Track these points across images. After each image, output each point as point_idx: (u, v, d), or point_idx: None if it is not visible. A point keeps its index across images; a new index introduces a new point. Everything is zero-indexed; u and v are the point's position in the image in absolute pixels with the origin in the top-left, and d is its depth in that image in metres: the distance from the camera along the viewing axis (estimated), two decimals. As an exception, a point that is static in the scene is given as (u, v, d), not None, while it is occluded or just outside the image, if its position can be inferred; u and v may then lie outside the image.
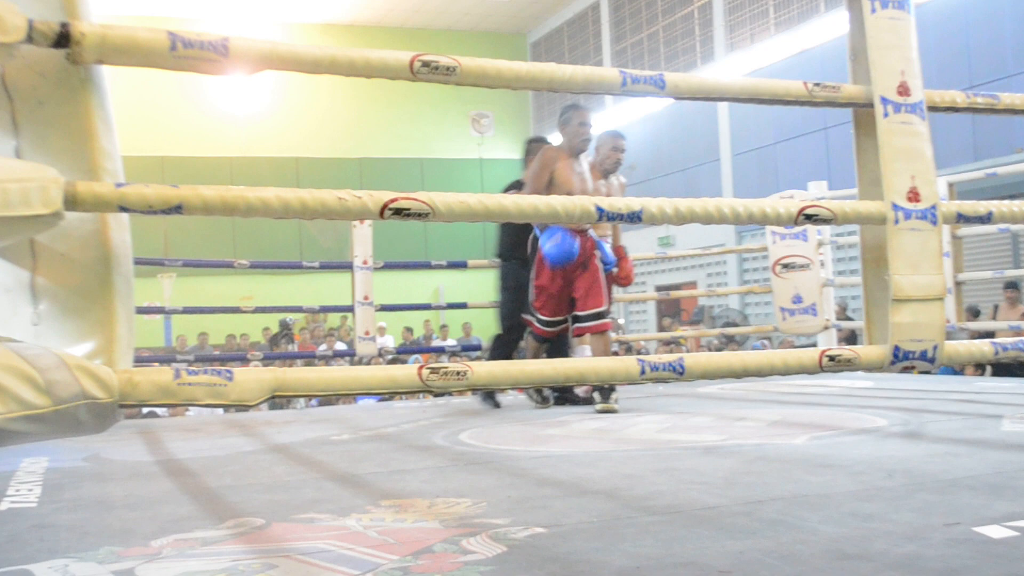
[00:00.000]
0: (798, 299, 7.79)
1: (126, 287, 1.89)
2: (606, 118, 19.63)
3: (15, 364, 1.70)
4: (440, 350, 12.71)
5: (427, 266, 13.05)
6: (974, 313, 9.65)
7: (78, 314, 1.90)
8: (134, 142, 19.01)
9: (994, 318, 9.83)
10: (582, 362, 2.32)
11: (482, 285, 20.44)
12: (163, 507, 3.07)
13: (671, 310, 18.98)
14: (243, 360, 9.32)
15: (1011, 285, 9.91)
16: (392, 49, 2.11)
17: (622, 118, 19.88)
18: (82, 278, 1.89)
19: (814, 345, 8.69)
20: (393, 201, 1.96)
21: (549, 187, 5.48)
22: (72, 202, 1.77)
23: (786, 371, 2.52)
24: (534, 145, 6.33)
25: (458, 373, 2.00)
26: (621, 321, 13.45)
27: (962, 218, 2.69)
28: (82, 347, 1.85)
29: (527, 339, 6.17)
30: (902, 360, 2.48)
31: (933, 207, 2.52)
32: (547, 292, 5.83)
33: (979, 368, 8.45)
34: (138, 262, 2.09)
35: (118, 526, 2.77)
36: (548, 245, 5.46)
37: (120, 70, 1.96)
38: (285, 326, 17.75)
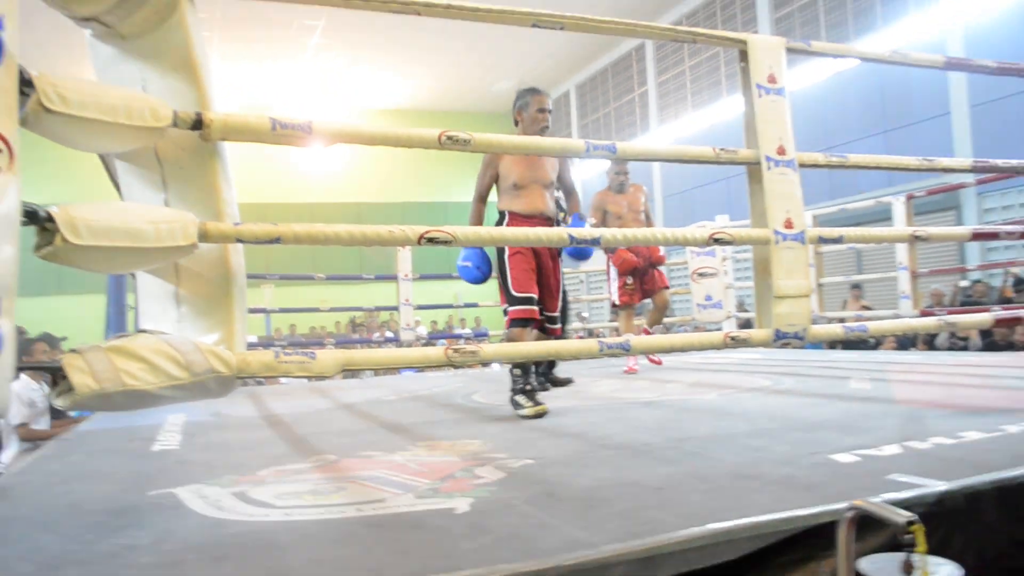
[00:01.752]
0: (709, 298, 7.82)
1: (241, 295, 1.90)
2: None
3: (165, 349, 1.72)
4: (459, 336, 12.71)
5: (449, 277, 13.20)
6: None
7: (208, 314, 1.91)
8: (245, 194, 18.97)
9: (843, 309, 9.85)
10: (557, 343, 2.33)
11: (487, 290, 20.55)
12: (266, 448, 3.09)
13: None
14: (321, 345, 9.31)
15: (855, 286, 9.94)
16: (422, 126, 2.12)
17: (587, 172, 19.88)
18: (210, 289, 1.91)
19: (720, 330, 8.70)
20: (427, 232, 1.98)
21: (500, 180, 4.05)
22: (204, 236, 1.79)
23: (701, 347, 2.53)
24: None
25: (472, 352, 2.02)
26: (585, 314, 13.38)
27: (822, 240, 2.70)
28: (211, 337, 1.86)
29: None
30: (781, 339, 2.49)
31: (802, 232, 2.54)
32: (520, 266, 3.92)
33: (833, 344, 8.45)
34: (249, 277, 2.10)
35: (235, 461, 2.79)
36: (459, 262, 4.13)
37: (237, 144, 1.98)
38: (354, 321, 17.80)
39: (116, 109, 1.69)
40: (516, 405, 3.70)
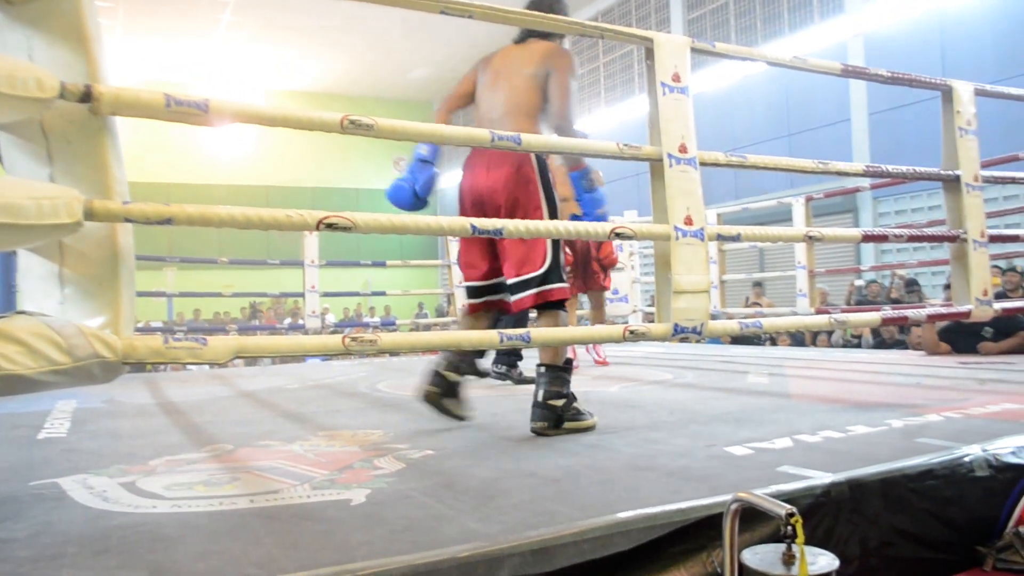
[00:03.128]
0: (616, 291, 7.93)
1: (129, 276, 1.82)
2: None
3: (45, 332, 1.64)
4: (366, 325, 12.58)
5: (357, 265, 13.04)
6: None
7: (93, 296, 1.83)
8: (147, 173, 18.38)
9: (746, 305, 10.14)
10: (460, 333, 2.32)
11: (398, 278, 20.43)
12: (159, 437, 2.99)
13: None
14: (224, 331, 9.07)
15: (757, 284, 10.24)
16: (333, 110, 2.08)
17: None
18: (96, 270, 1.82)
19: (626, 323, 8.84)
20: (326, 218, 1.94)
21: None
22: (90, 214, 1.71)
23: (601, 340, 2.56)
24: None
25: (371, 341, 1.99)
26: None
27: (721, 237, 2.76)
28: (96, 320, 1.78)
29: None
30: (680, 333, 2.54)
31: (701, 229, 2.59)
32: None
33: (733, 340, 8.70)
34: (147, 259, 2.03)
35: (125, 450, 2.70)
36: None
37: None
38: (254, 307, 17.36)
39: (-3, 77, 1.59)
40: (579, 416, 2.87)
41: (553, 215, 2.85)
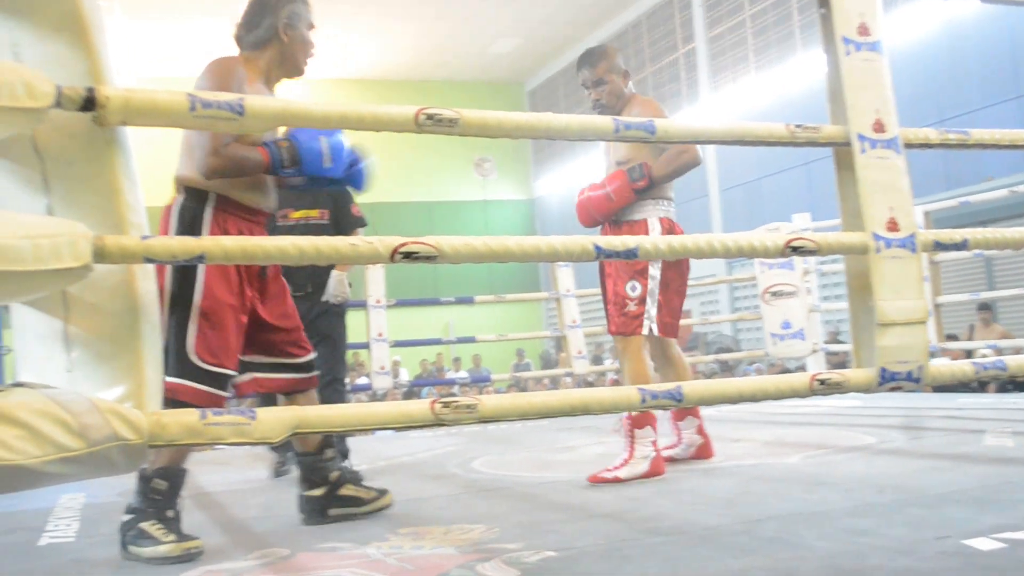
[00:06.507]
0: (787, 325, 7.77)
1: (153, 334, 1.87)
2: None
3: (50, 409, 1.69)
4: (451, 382, 12.67)
5: (436, 303, 13.04)
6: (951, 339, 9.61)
7: (109, 360, 1.88)
8: (159, 194, 19.04)
9: (970, 338, 9.79)
10: (586, 392, 2.30)
11: (488, 319, 20.52)
12: (193, 539, 3.04)
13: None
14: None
15: (984, 307, 9.89)
16: (397, 101, 2.11)
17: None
18: (112, 326, 1.88)
19: (804, 369, 8.65)
20: (403, 246, 1.95)
21: None
22: (101, 255, 1.76)
23: (779, 396, 2.49)
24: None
25: (468, 407, 1.98)
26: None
27: (939, 246, 2.67)
28: (113, 391, 1.83)
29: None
30: (889, 381, 2.45)
31: (912, 236, 2.51)
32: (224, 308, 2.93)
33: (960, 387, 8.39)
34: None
35: (152, 560, 2.75)
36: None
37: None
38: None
39: (-24, 85, 1.67)
40: (137, 539, 2.84)
41: None
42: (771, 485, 3.40)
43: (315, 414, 1.94)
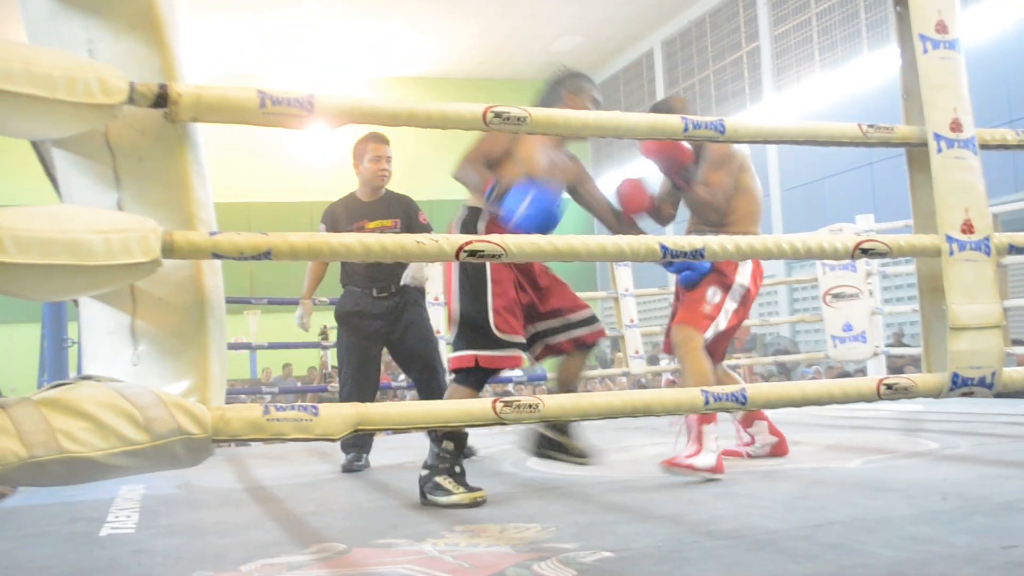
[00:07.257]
0: (848, 327, 7.68)
1: (218, 329, 1.89)
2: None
3: (117, 403, 1.71)
4: (508, 380, 12.67)
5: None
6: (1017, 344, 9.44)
7: (174, 355, 1.90)
8: (223, 190, 19.23)
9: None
10: (648, 393, 2.29)
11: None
12: (251, 533, 3.08)
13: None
14: (324, 391, 9.34)
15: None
16: (458, 98, 2.11)
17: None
18: (178, 321, 1.90)
19: (864, 371, 8.56)
20: (468, 244, 1.95)
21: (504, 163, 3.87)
22: (169, 250, 1.78)
23: (845, 400, 2.46)
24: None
25: (530, 406, 1.98)
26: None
27: (1014, 249, 2.63)
28: (178, 386, 1.85)
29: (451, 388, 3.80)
30: (961, 387, 2.42)
31: (987, 238, 2.48)
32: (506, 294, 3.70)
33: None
34: (228, 302, 2.10)
35: (210, 551, 2.78)
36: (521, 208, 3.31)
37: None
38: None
39: (52, 80, 1.69)
40: (435, 490, 3.51)
41: None
42: (832, 490, 3.36)
43: (376, 411, 1.94)
